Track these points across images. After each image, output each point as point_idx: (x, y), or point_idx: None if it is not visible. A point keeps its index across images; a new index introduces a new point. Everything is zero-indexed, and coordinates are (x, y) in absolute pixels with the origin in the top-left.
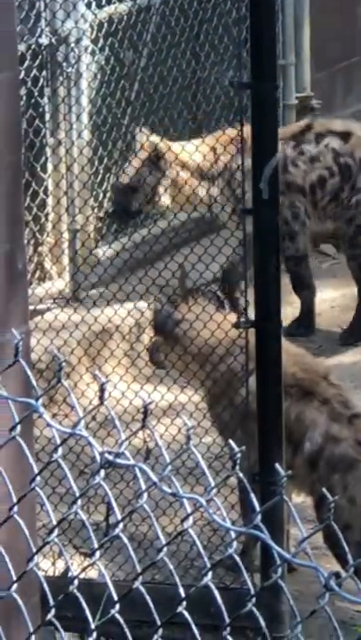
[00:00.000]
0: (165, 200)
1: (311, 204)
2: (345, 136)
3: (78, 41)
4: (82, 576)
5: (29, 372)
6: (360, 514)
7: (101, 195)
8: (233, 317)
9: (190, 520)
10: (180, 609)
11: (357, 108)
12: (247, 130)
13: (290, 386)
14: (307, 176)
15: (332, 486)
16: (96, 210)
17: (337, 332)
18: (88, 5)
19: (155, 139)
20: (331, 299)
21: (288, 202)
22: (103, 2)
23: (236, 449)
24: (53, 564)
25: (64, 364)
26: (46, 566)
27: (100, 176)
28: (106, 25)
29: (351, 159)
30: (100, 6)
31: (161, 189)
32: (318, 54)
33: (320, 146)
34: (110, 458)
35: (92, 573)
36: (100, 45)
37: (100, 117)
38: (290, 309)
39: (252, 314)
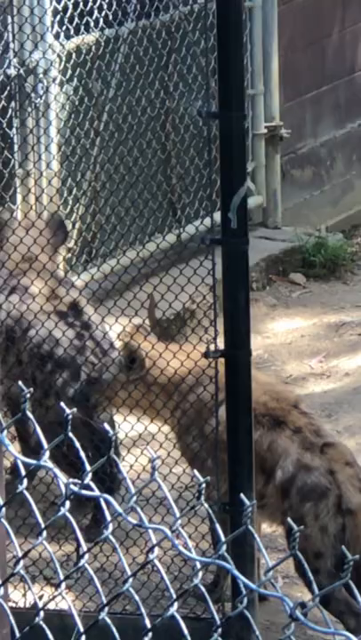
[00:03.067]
0: None
1: None
2: None
3: (46, 72)
4: (53, 607)
5: None
6: (332, 543)
7: (70, 225)
8: (202, 347)
9: (156, 551)
10: None
11: (327, 137)
12: None
13: (261, 415)
14: None
15: (304, 515)
16: None
17: (307, 361)
18: (56, 36)
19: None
20: (301, 328)
21: None
22: (71, 32)
23: (202, 480)
24: (24, 595)
25: (28, 395)
26: (17, 597)
27: (68, 207)
28: (74, 55)
29: None
30: (68, 37)
31: None
32: (287, 84)
33: None
34: (75, 489)
35: (63, 604)
36: (68, 76)
37: (68, 148)
38: (260, 339)
39: (221, 343)
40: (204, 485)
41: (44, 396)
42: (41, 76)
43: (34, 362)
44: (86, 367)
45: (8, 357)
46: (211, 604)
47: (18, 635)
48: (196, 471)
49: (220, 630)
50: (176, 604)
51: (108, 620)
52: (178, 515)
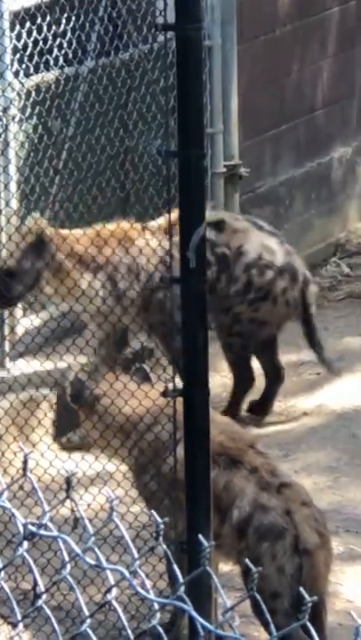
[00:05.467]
0: (48, 289)
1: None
2: (218, 226)
3: (6, 110)
4: None
5: None
6: (289, 583)
7: None
8: (160, 386)
9: (114, 591)
10: None
11: (286, 176)
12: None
13: (217, 454)
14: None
15: (261, 555)
16: None
17: None
18: (16, 74)
19: (42, 224)
20: (260, 367)
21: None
22: (31, 70)
23: (159, 520)
24: None
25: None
26: None
27: None
28: (33, 93)
29: (227, 249)
30: (27, 75)
31: (44, 277)
32: (247, 122)
33: None
34: (34, 529)
35: None
36: (27, 114)
37: (27, 186)
38: (218, 378)
39: (179, 382)
40: (162, 526)
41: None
42: (0, 114)
43: None
44: None
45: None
46: None
47: None
48: (153, 511)
49: None
50: None
51: None
52: (136, 555)
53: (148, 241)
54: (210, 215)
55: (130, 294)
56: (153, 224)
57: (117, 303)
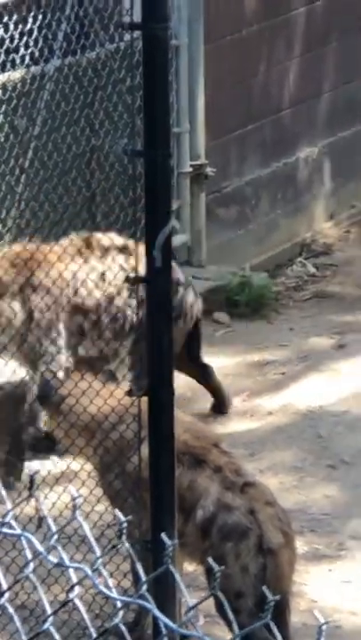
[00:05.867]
0: None
1: (92, 323)
2: (125, 250)
3: None
4: None
5: None
6: (252, 582)
7: None
8: (126, 386)
9: (76, 590)
10: None
11: (252, 176)
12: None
13: (182, 453)
14: (94, 295)
15: (225, 554)
16: None
17: (231, 399)
18: None
19: None
20: (225, 366)
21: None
22: None
23: (123, 519)
24: None
25: None
26: None
27: None
28: (0, 92)
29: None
30: None
31: None
32: (213, 122)
33: (107, 262)
34: None
35: None
36: None
37: None
38: (182, 377)
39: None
40: (125, 524)
41: None
42: None
43: None
44: None
45: None
46: None
47: None
48: (117, 510)
49: None
50: None
51: None
52: (99, 553)
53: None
54: (116, 238)
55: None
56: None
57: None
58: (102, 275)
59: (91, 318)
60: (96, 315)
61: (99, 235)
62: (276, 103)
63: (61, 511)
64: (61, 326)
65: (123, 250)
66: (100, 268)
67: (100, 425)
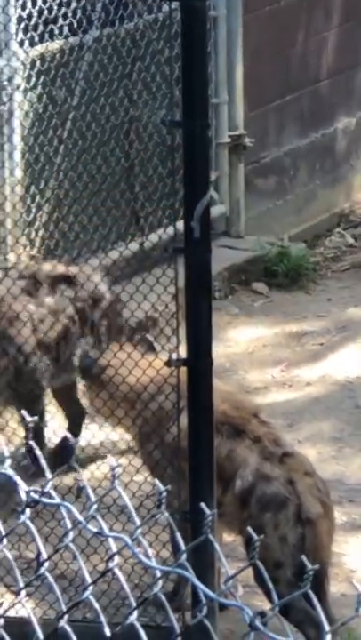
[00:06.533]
0: None
1: (54, 359)
2: (71, 280)
3: (11, 79)
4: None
5: None
6: (291, 552)
7: (33, 233)
8: (165, 356)
9: (116, 559)
10: None
11: (290, 146)
12: None
13: (220, 423)
14: (52, 329)
15: (263, 525)
16: (28, 248)
17: (269, 370)
18: (20, 44)
19: None
20: (263, 337)
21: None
22: (36, 39)
23: (162, 488)
24: None
25: None
26: None
27: (31, 214)
28: (38, 63)
29: (83, 303)
30: (32, 44)
31: None
32: (251, 93)
33: (57, 295)
34: (36, 497)
35: (23, 612)
36: (32, 83)
37: (32, 155)
38: (222, 347)
39: (183, 352)
40: (165, 494)
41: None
42: (5, 83)
43: None
44: None
45: None
46: (171, 612)
47: None
48: (157, 480)
49: (179, 639)
50: (136, 613)
51: (68, 628)
52: (138, 523)
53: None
54: (63, 268)
55: None
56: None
57: None
58: None
59: None
60: None
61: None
62: (314, 74)
63: (100, 482)
64: None
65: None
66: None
67: (140, 395)
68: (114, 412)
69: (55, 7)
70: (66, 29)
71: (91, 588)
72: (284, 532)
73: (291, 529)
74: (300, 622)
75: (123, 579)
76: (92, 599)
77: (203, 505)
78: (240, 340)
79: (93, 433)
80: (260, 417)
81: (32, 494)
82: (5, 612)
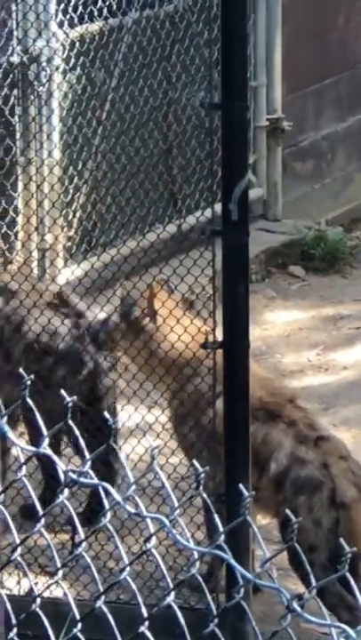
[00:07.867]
0: None
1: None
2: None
3: (50, 60)
4: (47, 595)
5: None
6: (325, 536)
7: (71, 214)
8: (201, 338)
9: (153, 540)
10: (142, 629)
11: (328, 130)
12: None
13: (256, 409)
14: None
15: (298, 508)
16: (65, 229)
17: (305, 353)
18: (60, 24)
19: None
20: (300, 320)
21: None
22: (75, 21)
23: (200, 470)
24: (19, 582)
25: (28, 382)
26: (12, 585)
27: (69, 195)
28: (77, 44)
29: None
30: (72, 25)
31: None
32: (290, 76)
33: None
34: (74, 477)
35: (57, 592)
36: (71, 65)
37: (70, 136)
38: (258, 330)
39: (220, 335)
40: (203, 476)
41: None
42: (44, 64)
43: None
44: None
45: None
46: (208, 594)
47: (13, 621)
48: (195, 461)
49: (216, 621)
50: (173, 594)
51: (105, 609)
52: (176, 504)
53: None
54: None
55: None
56: None
57: None
58: None
59: None
60: None
61: None
62: (353, 57)
63: (135, 463)
64: None
65: None
66: None
67: (175, 377)
68: (147, 362)
69: None
70: (105, 11)
71: (128, 568)
72: (319, 515)
73: (325, 512)
74: (334, 606)
75: (160, 560)
76: (130, 580)
77: (241, 486)
78: (276, 323)
79: (129, 414)
80: (297, 402)
81: (70, 474)
82: (41, 592)
